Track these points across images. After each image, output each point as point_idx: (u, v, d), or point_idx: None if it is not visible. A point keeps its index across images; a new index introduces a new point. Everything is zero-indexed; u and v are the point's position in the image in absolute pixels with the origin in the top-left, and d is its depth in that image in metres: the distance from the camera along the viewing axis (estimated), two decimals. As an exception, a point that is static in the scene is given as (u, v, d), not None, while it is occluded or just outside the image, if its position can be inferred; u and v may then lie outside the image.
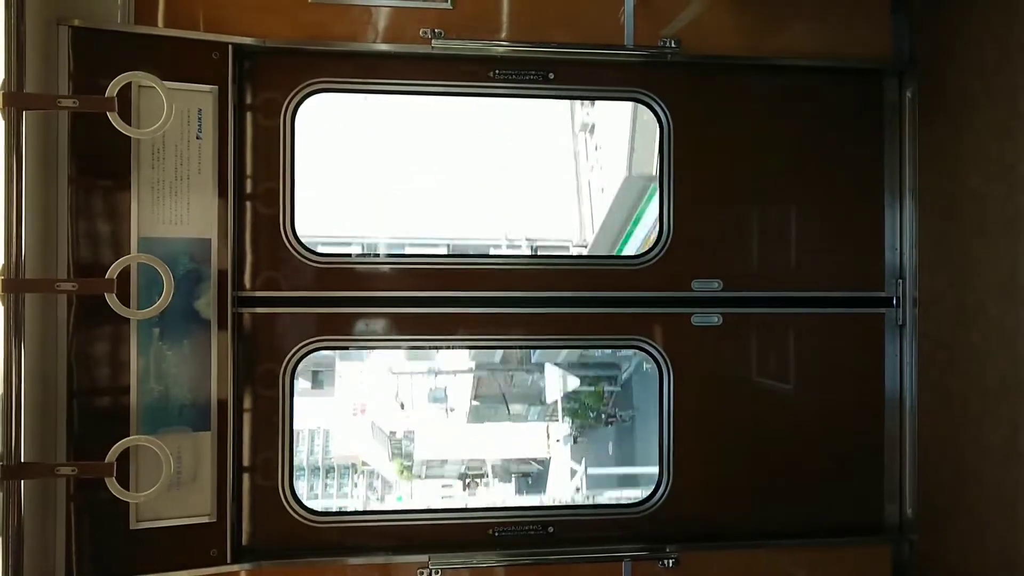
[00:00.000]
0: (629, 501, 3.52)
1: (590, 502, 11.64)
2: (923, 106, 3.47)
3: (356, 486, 14.20)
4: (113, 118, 2.65)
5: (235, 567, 3.13)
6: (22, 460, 2.60)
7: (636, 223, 10.54)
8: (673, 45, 3.35)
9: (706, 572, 3.42)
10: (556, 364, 13.10)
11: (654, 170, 3.56)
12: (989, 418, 3.09)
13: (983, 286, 3.13)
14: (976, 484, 3.15)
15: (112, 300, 2.66)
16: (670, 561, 3.33)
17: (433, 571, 3.23)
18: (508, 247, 12.55)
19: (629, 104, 4.89)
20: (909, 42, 3.51)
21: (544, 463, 13.56)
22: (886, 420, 3.55)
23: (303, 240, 3.27)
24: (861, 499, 3.55)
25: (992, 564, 3.05)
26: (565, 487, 12.95)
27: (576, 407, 13.54)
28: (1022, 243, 2.96)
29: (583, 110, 12.86)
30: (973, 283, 3.18)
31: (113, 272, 2.66)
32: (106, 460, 2.68)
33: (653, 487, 3.47)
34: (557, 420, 13.58)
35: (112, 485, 2.69)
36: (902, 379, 3.52)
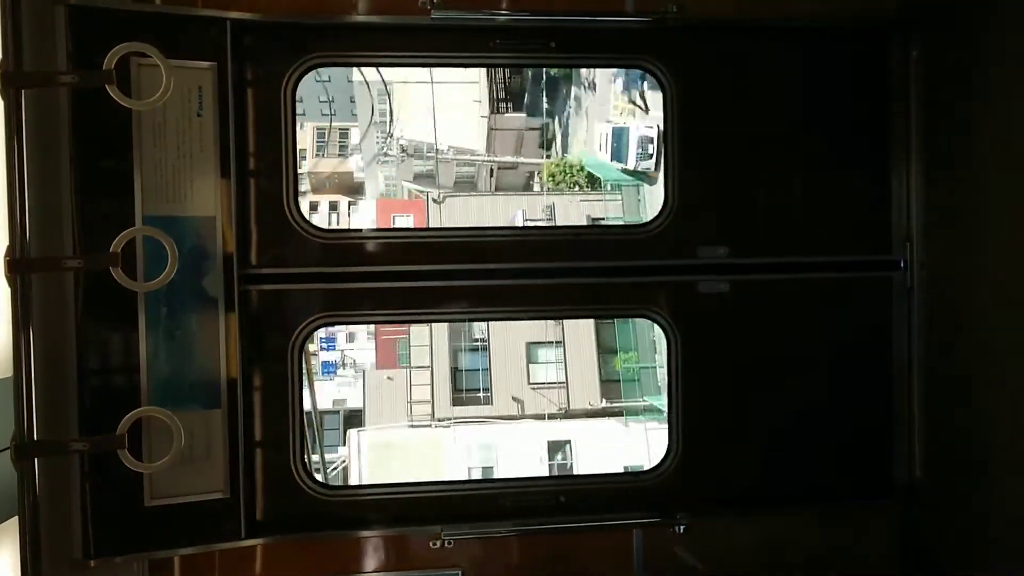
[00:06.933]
0: (640, 469, 3.53)
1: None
2: (929, 66, 3.42)
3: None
4: (112, 90, 2.63)
5: (250, 542, 3.15)
6: (35, 439, 2.61)
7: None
8: (674, 10, 3.30)
9: (716, 538, 3.44)
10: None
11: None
12: (997, 381, 3.08)
13: (990, 248, 3.11)
14: (984, 446, 3.15)
15: (117, 274, 2.65)
16: (680, 528, 3.35)
17: (445, 542, 3.25)
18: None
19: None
20: (915, 1, 3.46)
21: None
22: (895, 383, 3.53)
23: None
24: (870, 462, 3.55)
25: (1001, 525, 3.06)
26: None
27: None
28: None
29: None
30: (980, 245, 3.16)
31: (117, 246, 2.65)
32: (117, 432, 2.70)
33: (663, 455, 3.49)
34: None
35: (124, 456, 2.70)
36: (910, 342, 3.50)
